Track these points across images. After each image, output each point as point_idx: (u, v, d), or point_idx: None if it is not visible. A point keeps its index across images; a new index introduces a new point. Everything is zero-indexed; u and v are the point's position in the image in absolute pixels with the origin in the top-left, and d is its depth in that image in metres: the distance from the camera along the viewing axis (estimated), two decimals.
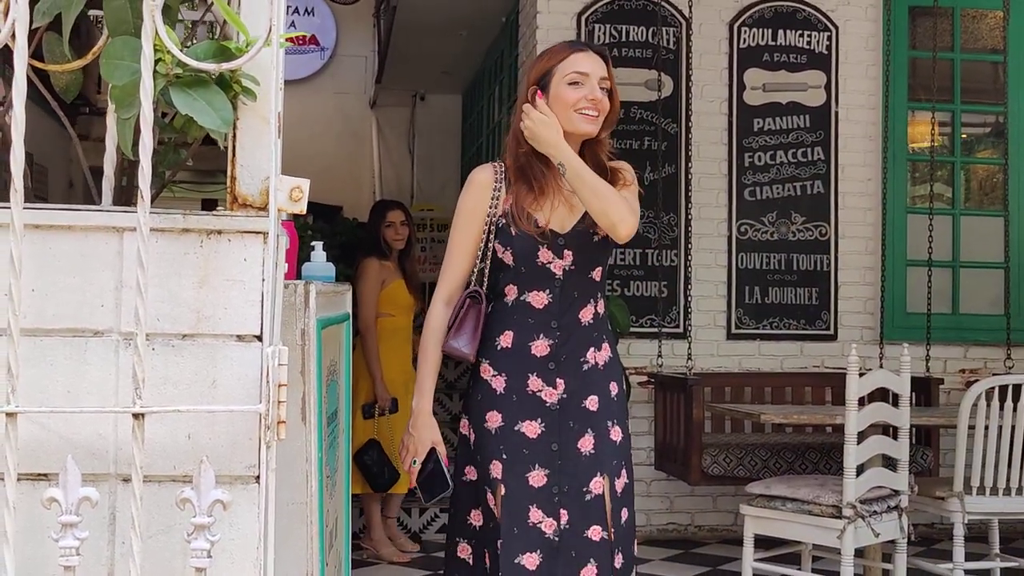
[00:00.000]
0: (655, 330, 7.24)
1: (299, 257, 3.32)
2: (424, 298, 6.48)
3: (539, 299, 3.35)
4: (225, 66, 1.83)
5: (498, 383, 3.36)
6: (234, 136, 1.98)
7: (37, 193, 8.54)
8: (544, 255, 3.34)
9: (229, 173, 1.99)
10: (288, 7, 11.57)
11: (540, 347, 3.34)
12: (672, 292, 7.37)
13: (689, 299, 7.24)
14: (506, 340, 3.37)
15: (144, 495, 1.88)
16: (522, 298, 3.36)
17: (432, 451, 3.39)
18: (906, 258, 7.60)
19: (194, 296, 1.94)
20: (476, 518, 3.40)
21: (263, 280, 1.95)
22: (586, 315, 3.40)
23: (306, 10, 13.17)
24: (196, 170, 12.22)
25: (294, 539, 2.50)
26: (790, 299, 7.48)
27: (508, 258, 3.37)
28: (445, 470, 3.41)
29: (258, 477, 1.94)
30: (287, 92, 8.38)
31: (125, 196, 2.17)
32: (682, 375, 6.60)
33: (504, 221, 3.36)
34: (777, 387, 7.19)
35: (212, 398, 1.94)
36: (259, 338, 1.97)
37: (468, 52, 10.32)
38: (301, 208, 1.96)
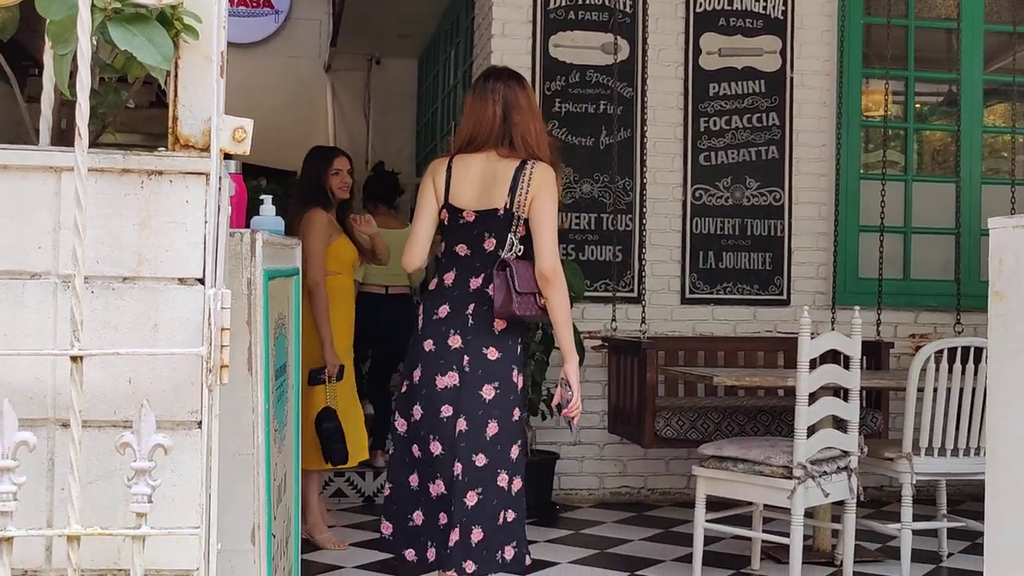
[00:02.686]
0: (609, 294, 7.23)
1: (249, 213, 3.29)
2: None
3: None
4: (165, 1, 1.79)
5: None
6: (176, 76, 1.94)
7: None
8: None
9: (171, 113, 1.95)
10: None
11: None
12: (626, 256, 7.36)
13: (643, 263, 7.25)
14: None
15: (84, 440, 1.85)
16: None
17: None
18: (859, 224, 7.64)
19: (135, 238, 1.91)
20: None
21: (205, 222, 1.91)
22: None
23: None
24: None
25: (240, 489, 2.47)
26: (744, 264, 7.50)
27: None
28: None
29: (200, 423, 1.89)
30: (240, 56, 8.29)
31: (66, 140, 2.12)
32: (636, 339, 6.61)
33: None
34: (730, 351, 7.22)
35: (154, 342, 1.91)
36: (201, 281, 1.93)
37: (423, 15, 10.23)
38: (245, 149, 1.92)
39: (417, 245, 4.11)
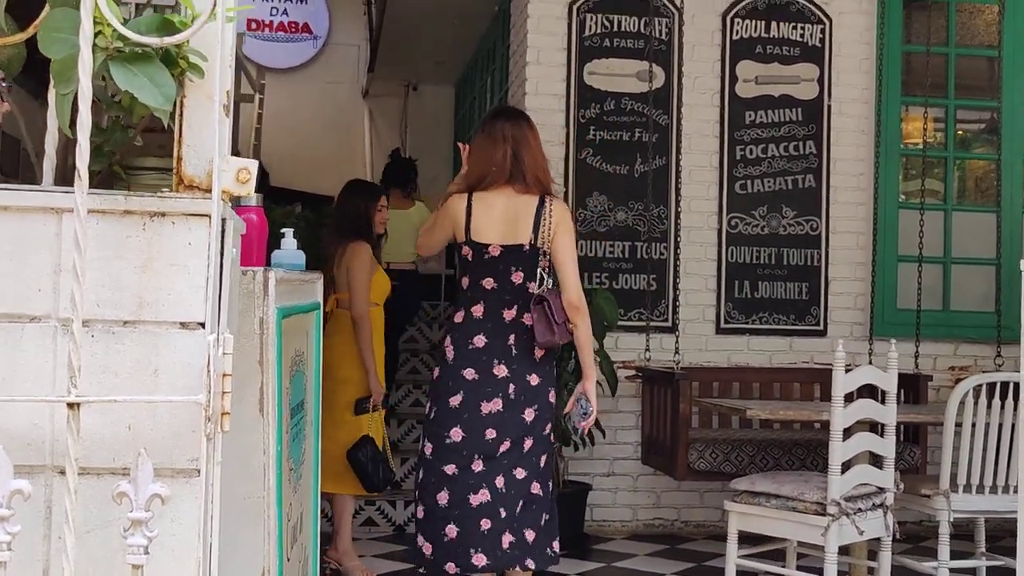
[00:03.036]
0: (643, 324, 7.16)
1: (275, 243, 3.26)
2: None
3: None
4: (167, 40, 1.75)
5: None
6: (181, 115, 1.91)
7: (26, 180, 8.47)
8: None
9: (175, 153, 1.92)
10: None
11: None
12: (661, 285, 7.30)
13: (678, 292, 7.17)
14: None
15: (81, 488, 1.81)
16: None
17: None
18: (897, 254, 7.52)
19: (136, 281, 1.86)
20: None
21: (208, 265, 1.86)
22: None
23: None
24: None
25: (249, 534, 2.42)
26: (780, 294, 7.41)
27: None
28: None
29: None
30: (279, 81, 8.33)
31: (72, 178, 2.09)
32: (669, 369, 6.53)
33: None
34: (766, 383, 7.12)
35: (154, 388, 1.87)
36: (204, 325, 1.89)
37: (460, 42, 10.23)
38: (249, 191, 1.88)
39: (434, 248, 4.73)
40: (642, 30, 7.35)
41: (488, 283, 4.38)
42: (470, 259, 4.39)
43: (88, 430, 1.83)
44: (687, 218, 7.30)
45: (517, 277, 4.36)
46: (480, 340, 4.36)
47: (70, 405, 1.71)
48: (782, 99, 7.48)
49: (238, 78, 10.22)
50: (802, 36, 7.52)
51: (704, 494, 7.24)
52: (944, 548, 5.22)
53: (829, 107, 7.52)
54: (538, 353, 4.37)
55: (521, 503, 4.35)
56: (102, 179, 2.07)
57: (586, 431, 4.69)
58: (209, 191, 1.88)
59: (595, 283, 7.18)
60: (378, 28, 10.40)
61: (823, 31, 7.53)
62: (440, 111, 12.20)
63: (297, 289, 2.96)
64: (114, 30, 1.75)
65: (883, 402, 5.10)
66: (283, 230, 3.30)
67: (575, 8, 7.32)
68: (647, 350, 7.04)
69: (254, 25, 12.96)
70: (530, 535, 4.36)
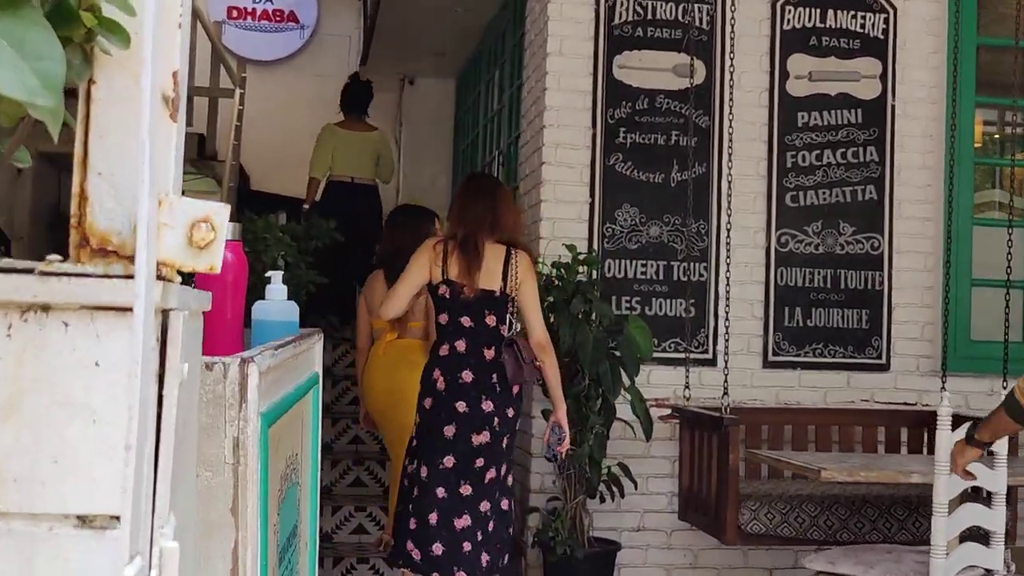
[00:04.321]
0: (681, 356, 6.26)
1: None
2: None
3: None
4: None
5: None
6: (87, 116, 0.98)
7: None
8: None
9: (75, 188, 0.99)
10: None
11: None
12: (701, 312, 6.39)
13: (719, 320, 6.25)
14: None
15: None
16: None
17: None
18: (971, 276, 6.62)
19: None
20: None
21: (130, 406, 0.93)
22: None
23: None
24: None
25: None
26: (836, 322, 6.49)
27: None
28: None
29: None
30: (262, 74, 7.11)
31: None
32: (715, 411, 5.60)
33: None
34: (822, 425, 6.20)
35: None
36: (120, 520, 0.96)
37: (464, 31, 9.33)
38: (211, 261, 0.96)
39: (399, 302, 4.97)
40: (680, 18, 6.45)
41: (466, 321, 4.87)
42: (448, 297, 4.87)
43: None
44: (731, 235, 6.37)
45: (490, 320, 4.88)
46: (468, 375, 4.82)
47: None
48: (839, 98, 6.58)
49: (216, 71, 9.23)
50: (862, 27, 6.62)
51: (748, 553, 6.28)
52: None
53: (893, 108, 6.61)
54: (515, 389, 4.90)
55: (493, 522, 4.85)
56: None
57: (563, 454, 5.16)
58: (133, 259, 0.95)
59: (624, 308, 6.28)
60: (372, 15, 9.50)
61: (886, 21, 6.63)
62: (439, 107, 11.30)
63: (292, 368, 2.04)
64: None
65: (990, 464, 4.27)
66: (269, 274, 2.38)
67: None
68: (686, 387, 6.14)
69: (235, 13, 12.08)
70: (500, 551, 4.90)
